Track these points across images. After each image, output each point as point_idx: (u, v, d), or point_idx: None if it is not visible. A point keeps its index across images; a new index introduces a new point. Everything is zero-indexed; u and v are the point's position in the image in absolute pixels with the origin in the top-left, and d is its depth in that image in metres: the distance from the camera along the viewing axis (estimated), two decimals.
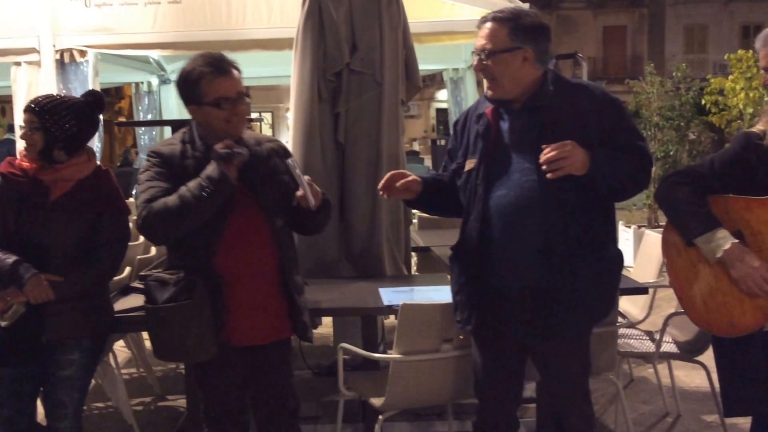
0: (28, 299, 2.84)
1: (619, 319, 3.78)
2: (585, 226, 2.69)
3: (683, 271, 2.69)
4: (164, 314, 2.79)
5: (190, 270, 2.80)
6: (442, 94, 27.64)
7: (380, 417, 3.34)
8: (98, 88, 5.33)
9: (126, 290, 3.94)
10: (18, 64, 5.83)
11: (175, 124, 3.00)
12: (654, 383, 4.70)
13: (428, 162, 21.00)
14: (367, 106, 4.31)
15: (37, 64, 5.80)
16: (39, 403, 3.18)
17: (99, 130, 3.31)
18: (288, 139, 4.61)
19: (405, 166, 4.42)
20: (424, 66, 5.58)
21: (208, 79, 2.80)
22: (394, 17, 4.34)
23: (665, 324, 4.03)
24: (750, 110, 8.76)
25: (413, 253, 5.35)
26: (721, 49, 19.39)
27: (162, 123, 8.02)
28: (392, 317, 4.38)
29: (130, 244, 3.22)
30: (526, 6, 3.49)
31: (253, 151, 2.89)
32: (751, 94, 8.80)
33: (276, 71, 7.96)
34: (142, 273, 3.13)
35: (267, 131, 30.65)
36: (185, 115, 3.01)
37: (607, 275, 2.79)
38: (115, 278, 3.49)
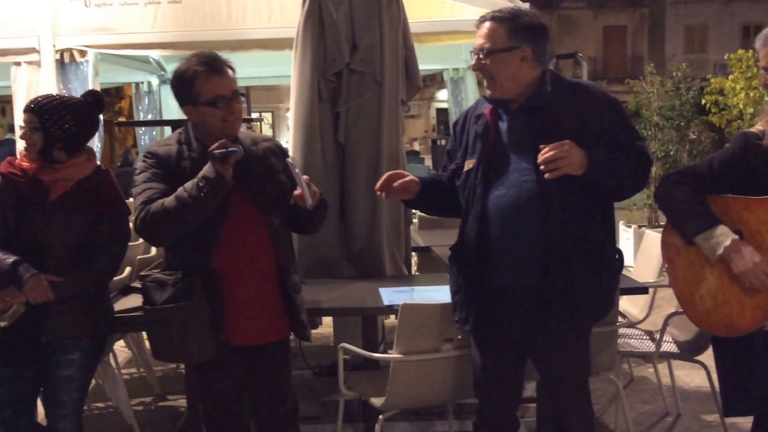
0: (27, 299, 2.84)
1: (620, 318, 3.78)
2: (584, 225, 2.69)
3: (682, 271, 2.69)
4: (163, 315, 2.78)
5: (188, 270, 2.80)
6: (443, 94, 27.65)
7: (380, 417, 3.34)
8: (98, 88, 5.33)
9: (126, 290, 3.94)
10: (18, 64, 5.83)
11: (175, 124, 3.01)
12: (654, 383, 4.70)
13: (428, 162, 20.99)
14: (367, 105, 4.31)
15: (37, 64, 5.79)
16: (39, 403, 3.18)
17: (99, 130, 3.31)
18: (288, 139, 4.61)
19: (405, 166, 4.43)
20: (425, 66, 5.58)
21: (203, 78, 2.80)
22: (394, 17, 4.34)
23: (665, 324, 4.03)
24: (750, 110, 8.75)
25: (413, 253, 5.35)
26: (721, 48, 19.38)
27: (162, 123, 8.02)
28: (392, 317, 4.37)
29: (130, 244, 3.22)
30: (525, 6, 3.49)
31: (250, 151, 2.89)
32: (752, 94, 8.80)
33: (276, 71, 7.95)
34: (143, 273, 3.13)
35: (267, 131, 30.66)
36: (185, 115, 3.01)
37: (607, 275, 2.79)
38: (115, 278, 3.49)
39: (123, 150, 18.53)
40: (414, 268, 5.57)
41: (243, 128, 3.07)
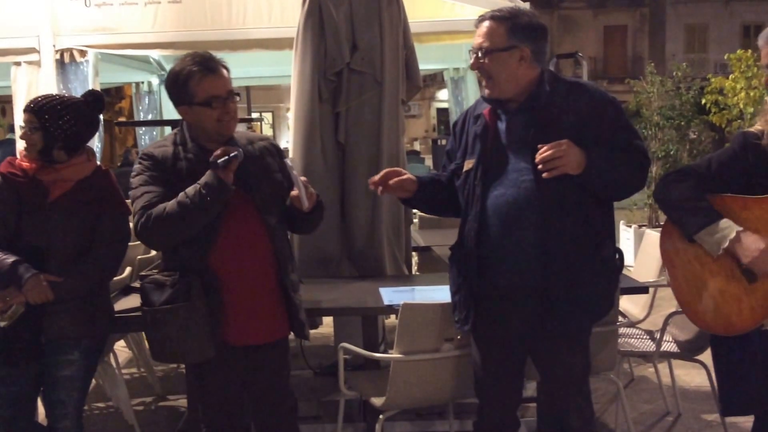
0: (27, 299, 2.84)
1: (620, 318, 3.78)
2: (583, 225, 2.69)
3: (681, 271, 2.69)
4: (161, 316, 2.78)
5: (186, 271, 2.80)
6: (443, 94, 27.64)
7: (381, 416, 3.34)
8: (98, 88, 5.33)
9: (127, 290, 3.94)
10: (18, 64, 5.82)
11: (175, 125, 3.00)
12: (654, 382, 4.70)
13: (429, 162, 20.99)
14: (367, 105, 4.31)
15: (37, 64, 5.78)
16: (39, 403, 3.18)
17: (99, 130, 3.31)
18: (289, 138, 4.61)
19: (406, 165, 4.42)
20: (425, 66, 5.58)
21: (198, 78, 2.79)
22: (394, 16, 4.34)
23: (665, 323, 4.03)
24: (750, 110, 8.75)
25: (414, 253, 5.35)
26: (721, 48, 19.36)
27: (162, 123, 8.01)
28: (393, 317, 4.37)
29: (130, 244, 3.22)
30: (525, 6, 3.50)
31: (246, 151, 2.89)
32: (752, 94, 8.79)
33: (276, 71, 7.96)
34: (143, 273, 3.13)
35: (267, 131, 30.67)
36: None
37: (606, 274, 2.79)
38: (116, 278, 3.49)
39: (123, 150, 18.54)
40: (414, 268, 5.57)
41: (243, 128, 3.07)
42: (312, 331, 3.33)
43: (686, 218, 2.62)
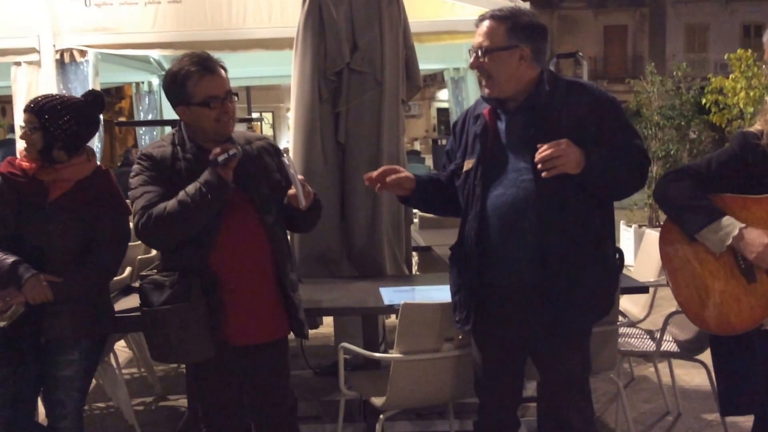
0: (26, 299, 2.84)
1: (620, 318, 3.78)
2: (582, 224, 2.69)
3: (680, 271, 2.69)
4: (161, 317, 2.78)
5: (185, 271, 2.80)
6: (443, 94, 27.63)
7: (381, 416, 3.34)
8: (98, 88, 5.33)
9: (127, 290, 3.94)
10: (18, 64, 5.82)
11: (175, 124, 3.00)
12: (655, 382, 4.70)
13: (429, 162, 21.00)
14: (367, 105, 4.31)
15: (37, 64, 5.79)
16: (40, 403, 3.18)
17: (99, 130, 3.31)
18: (289, 138, 4.61)
19: (406, 165, 4.42)
20: (425, 65, 5.58)
21: (196, 78, 2.79)
22: (394, 16, 4.34)
23: (666, 323, 4.03)
24: (750, 109, 8.74)
25: (414, 253, 5.35)
26: (721, 48, 19.33)
27: (162, 123, 8.01)
28: (393, 317, 4.37)
29: (130, 244, 3.22)
30: (526, 5, 3.50)
31: (244, 150, 2.89)
32: (752, 94, 8.79)
33: (276, 71, 7.95)
34: (143, 273, 3.13)
35: (268, 131, 30.67)
36: None
37: (606, 274, 2.79)
38: (116, 278, 3.49)
39: (124, 150, 18.54)
40: (414, 268, 5.57)
41: (243, 128, 3.07)
42: (312, 331, 3.33)
43: (687, 217, 2.62)
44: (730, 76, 9.19)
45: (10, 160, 3.03)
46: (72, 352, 2.97)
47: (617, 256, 2.81)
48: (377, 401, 3.32)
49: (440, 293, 3.39)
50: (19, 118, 5.36)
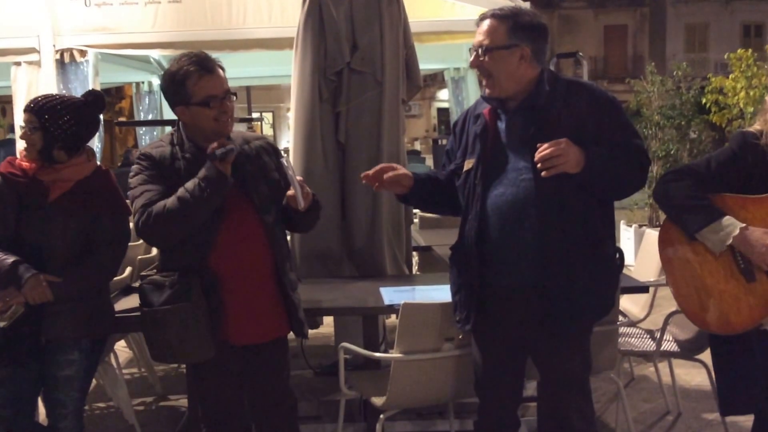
0: (26, 300, 2.84)
1: (620, 317, 3.78)
2: (583, 224, 2.69)
3: (680, 271, 2.69)
4: (161, 317, 2.78)
5: (185, 271, 2.80)
6: (443, 94, 27.65)
7: (381, 416, 3.34)
8: (98, 88, 5.34)
9: (127, 290, 3.94)
10: (18, 64, 5.83)
11: (175, 124, 3.00)
12: (655, 382, 4.70)
13: (429, 161, 20.96)
14: (367, 105, 4.31)
15: (37, 64, 5.79)
16: (40, 402, 3.18)
17: (99, 130, 3.31)
18: (289, 138, 4.61)
19: (406, 165, 4.41)
20: (425, 65, 5.58)
21: (195, 78, 2.79)
22: (394, 16, 4.34)
23: (666, 322, 4.03)
24: (750, 109, 8.74)
25: (414, 253, 5.35)
26: (722, 48, 19.35)
27: (162, 123, 8.02)
28: (393, 317, 4.37)
29: (130, 244, 3.22)
30: (526, 5, 3.50)
31: (242, 150, 2.89)
32: (752, 93, 8.79)
33: (276, 71, 7.95)
34: (143, 273, 3.13)
35: (268, 131, 30.68)
36: None
37: (606, 274, 2.79)
38: (116, 278, 3.49)
39: (124, 150, 18.55)
40: (415, 268, 5.57)
41: (243, 128, 3.06)
42: (312, 331, 3.32)
43: (688, 217, 2.62)
44: (730, 76, 9.19)
45: (10, 160, 3.03)
46: (72, 352, 2.97)
47: (617, 255, 2.81)
48: (377, 401, 3.32)
49: (440, 293, 3.39)
50: (19, 118, 5.36)
